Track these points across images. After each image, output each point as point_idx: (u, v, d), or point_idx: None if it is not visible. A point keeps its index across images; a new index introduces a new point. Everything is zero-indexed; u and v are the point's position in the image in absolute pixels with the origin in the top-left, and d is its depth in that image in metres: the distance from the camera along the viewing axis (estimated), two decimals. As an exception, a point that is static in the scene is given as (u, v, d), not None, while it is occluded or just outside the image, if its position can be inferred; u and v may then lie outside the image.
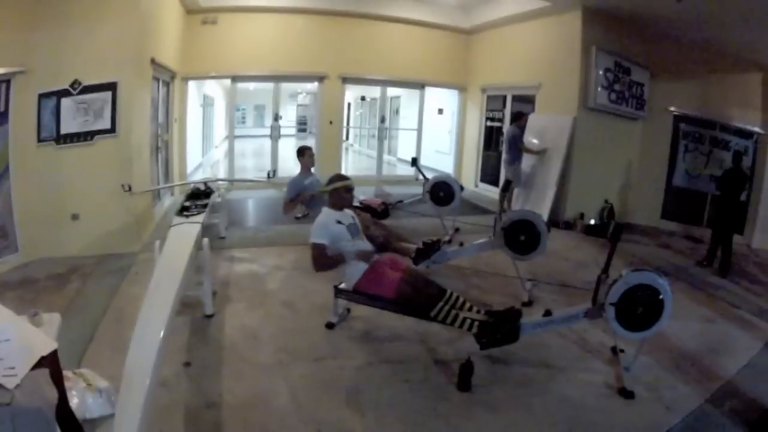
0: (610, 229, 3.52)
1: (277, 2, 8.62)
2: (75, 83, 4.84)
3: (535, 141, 8.10)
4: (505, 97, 9.77)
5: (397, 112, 14.30)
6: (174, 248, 3.54)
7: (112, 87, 4.98)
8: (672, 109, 8.32)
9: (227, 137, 14.54)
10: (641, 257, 6.53)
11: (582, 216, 7.71)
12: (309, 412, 2.73)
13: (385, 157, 14.00)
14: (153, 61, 5.82)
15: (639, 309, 3.11)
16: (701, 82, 8.23)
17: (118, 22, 4.94)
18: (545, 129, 8.06)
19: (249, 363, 3.19)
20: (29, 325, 1.57)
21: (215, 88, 12.53)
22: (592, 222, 7.69)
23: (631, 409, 3.00)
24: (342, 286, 3.75)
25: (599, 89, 7.48)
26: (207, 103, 11.84)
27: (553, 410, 2.92)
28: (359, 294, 3.62)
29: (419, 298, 3.36)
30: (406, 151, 11.37)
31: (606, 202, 7.99)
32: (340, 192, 3.70)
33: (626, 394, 3.12)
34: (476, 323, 3.24)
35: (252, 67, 8.84)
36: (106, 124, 5.01)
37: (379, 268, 3.52)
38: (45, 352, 1.38)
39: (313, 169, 5.57)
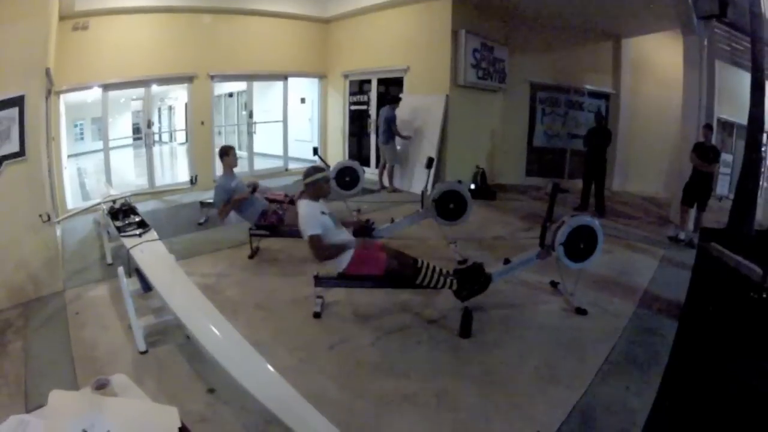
0: (548, 188, 4.47)
1: (148, 2, 8.46)
2: None
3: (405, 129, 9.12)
4: (369, 82, 10.63)
5: (245, 106, 14.37)
6: (160, 271, 3.62)
7: (18, 102, 4.43)
8: (529, 79, 9.98)
9: (69, 156, 13.53)
10: (525, 210, 7.92)
11: (460, 182, 8.91)
12: (363, 392, 3.04)
13: (239, 152, 14.15)
14: (47, 72, 5.36)
15: (581, 244, 4.15)
16: (556, 53, 10.06)
17: (20, 26, 4.46)
18: (418, 108, 9.09)
19: (272, 369, 3.37)
20: (127, 402, 1.42)
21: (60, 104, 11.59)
22: (473, 187, 8.94)
23: (590, 321, 4.07)
24: (321, 274, 4.12)
25: (469, 68, 8.71)
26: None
27: (538, 334, 3.84)
28: (347, 278, 4.03)
29: (405, 269, 3.90)
30: (261, 145, 11.78)
31: (477, 167, 9.30)
32: (320, 183, 3.98)
33: (581, 312, 4.19)
34: (455, 280, 3.92)
35: (123, 73, 8.51)
36: (14, 146, 4.43)
37: (365, 251, 3.99)
38: (178, 421, 1.29)
39: (235, 170, 5.72)
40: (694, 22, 7.04)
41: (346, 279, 4.06)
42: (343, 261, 3.93)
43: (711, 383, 3.26)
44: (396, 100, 8.93)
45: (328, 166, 7.20)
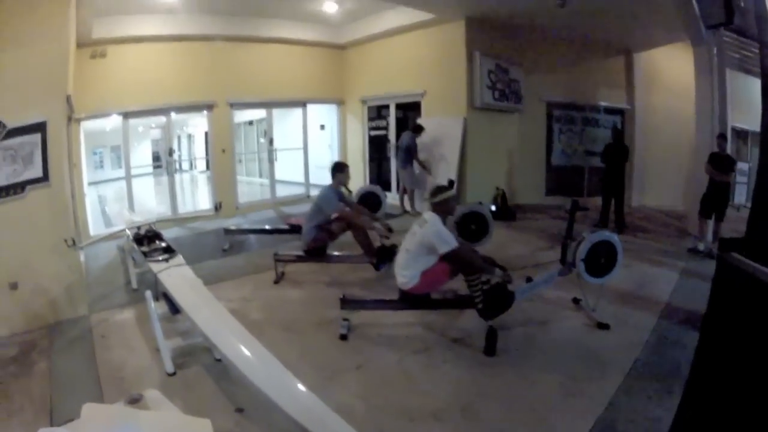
0: (567, 206, 4.60)
1: (165, 30, 8.76)
2: None
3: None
4: (387, 107, 10.87)
5: (265, 134, 14.71)
6: (189, 294, 3.73)
7: (41, 128, 4.55)
8: (544, 98, 10.14)
9: (90, 184, 13.93)
10: (545, 230, 7.98)
11: (480, 204, 9.01)
12: (390, 408, 3.13)
13: (257, 179, 14.43)
14: (68, 99, 5.48)
15: (602, 260, 4.23)
16: (569, 71, 10.23)
17: (41, 53, 4.59)
18: (437, 131, 9.23)
19: (298, 389, 3.44)
20: (160, 415, 1.46)
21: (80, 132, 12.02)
22: (494, 208, 9.00)
23: (613, 335, 4.13)
24: (347, 296, 4.32)
25: (485, 90, 8.91)
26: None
27: (561, 350, 3.91)
28: (408, 298, 4.18)
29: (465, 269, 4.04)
30: (283, 172, 11.94)
31: (498, 189, 9.38)
32: (449, 202, 4.15)
33: (603, 326, 4.25)
34: (481, 299, 4.00)
35: (142, 101, 8.81)
36: (37, 171, 4.55)
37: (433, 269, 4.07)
38: None
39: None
40: (703, 32, 7.14)
41: (405, 299, 4.22)
42: (413, 279, 4.04)
43: (733, 392, 3.29)
44: (419, 129, 9.03)
45: (350, 192, 7.36)
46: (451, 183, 6.41)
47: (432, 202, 4.14)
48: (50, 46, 4.70)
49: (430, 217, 4.03)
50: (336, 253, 5.87)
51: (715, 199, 6.49)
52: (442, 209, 4.11)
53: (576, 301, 4.78)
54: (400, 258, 4.19)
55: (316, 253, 5.68)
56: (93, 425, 1.22)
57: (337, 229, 5.60)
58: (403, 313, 4.49)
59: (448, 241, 3.89)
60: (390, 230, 5.64)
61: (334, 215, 5.57)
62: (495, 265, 4.16)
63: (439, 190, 4.21)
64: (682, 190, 9.55)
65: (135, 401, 1.52)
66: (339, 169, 5.83)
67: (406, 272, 4.07)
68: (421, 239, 3.99)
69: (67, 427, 1.31)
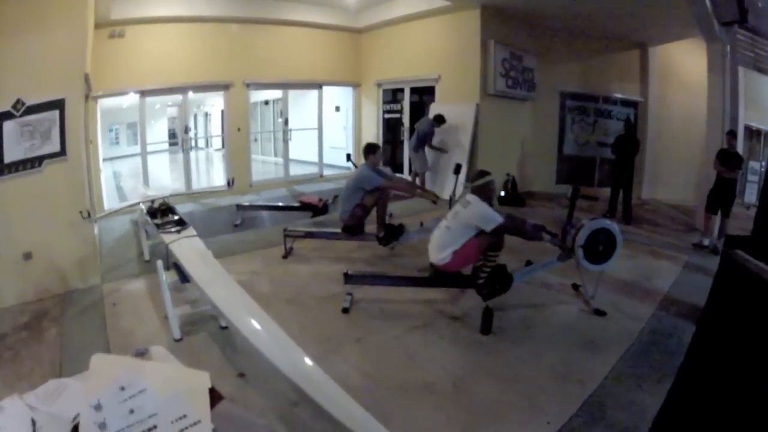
0: (569, 193, 4.63)
1: (183, 11, 8.82)
2: (18, 104, 4.43)
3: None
4: (402, 90, 10.90)
5: (281, 114, 14.79)
6: (198, 264, 3.78)
7: (59, 105, 4.68)
8: (558, 87, 10.07)
9: (105, 160, 14.10)
10: (552, 217, 7.94)
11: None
12: (385, 380, 3.22)
13: (272, 158, 14.46)
14: (86, 78, 5.56)
15: (600, 247, 4.26)
16: (584, 62, 10.17)
17: (60, 32, 4.68)
18: (450, 116, 9.20)
19: (299, 357, 3.53)
20: (163, 366, 1.51)
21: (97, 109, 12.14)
22: (503, 194, 9.08)
23: (608, 322, 4.17)
24: (350, 271, 4.41)
25: (498, 77, 8.88)
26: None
27: (557, 333, 3.97)
28: (441, 275, 4.31)
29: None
30: (296, 152, 11.95)
31: (508, 175, 9.38)
32: (489, 186, 4.28)
33: (600, 313, 4.29)
34: (483, 276, 4.15)
35: (160, 80, 8.92)
36: (54, 146, 4.70)
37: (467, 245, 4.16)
38: (208, 383, 1.38)
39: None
40: (716, 28, 7.05)
41: (438, 277, 4.38)
42: (448, 257, 4.12)
43: (724, 386, 3.30)
44: (440, 120, 9.02)
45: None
46: (458, 167, 6.41)
47: (473, 186, 4.26)
48: (69, 26, 4.80)
49: (473, 198, 4.15)
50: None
51: (721, 195, 6.45)
52: (482, 192, 4.21)
53: (576, 287, 4.82)
54: (438, 235, 4.27)
55: (353, 230, 5.69)
56: (100, 374, 1.30)
57: (369, 203, 5.59)
58: (405, 289, 4.56)
59: (492, 219, 4.00)
60: (436, 196, 5.78)
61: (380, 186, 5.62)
62: (545, 230, 4.32)
63: (480, 175, 4.34)
64: (693, 185, 9.48)
65: (141, 354, 1.60)
66: (371, 150, 5.84)
67: (443, 249, 4.16)
68: (465, 219, 4.11)
69: (75, 377, 1.42)
